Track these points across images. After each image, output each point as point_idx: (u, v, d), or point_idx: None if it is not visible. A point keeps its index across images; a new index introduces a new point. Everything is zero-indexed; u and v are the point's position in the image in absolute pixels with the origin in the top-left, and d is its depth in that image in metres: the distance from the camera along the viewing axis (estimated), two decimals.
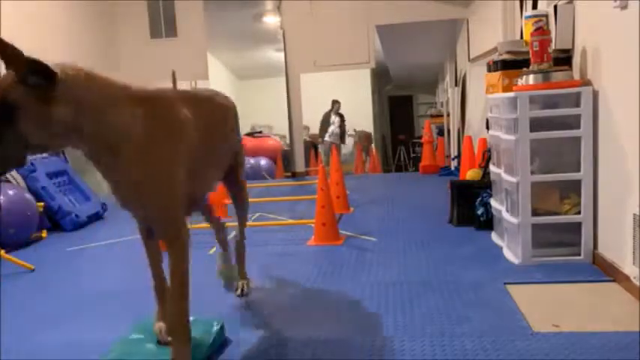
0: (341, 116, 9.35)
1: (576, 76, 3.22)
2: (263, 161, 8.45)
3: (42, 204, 4.70)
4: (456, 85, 9.82)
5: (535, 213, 3.15)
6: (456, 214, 4.23)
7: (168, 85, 2.30)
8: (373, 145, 9.64)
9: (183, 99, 2.12)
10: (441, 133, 11.28)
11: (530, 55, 3.19)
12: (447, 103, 11.11)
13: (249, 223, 4.80)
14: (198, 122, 2.08)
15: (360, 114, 9.31)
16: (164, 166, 1.87)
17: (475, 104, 7.53)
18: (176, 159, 1.91)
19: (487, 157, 4.38)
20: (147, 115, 1.84)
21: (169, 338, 2.03)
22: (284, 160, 8.68)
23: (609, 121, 2.87)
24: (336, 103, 9.29)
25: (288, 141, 8.63)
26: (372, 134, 9.56)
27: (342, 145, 9.53)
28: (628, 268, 2.62)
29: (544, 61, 3.13)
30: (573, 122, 3.05)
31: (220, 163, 2.49)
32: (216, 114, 2.40)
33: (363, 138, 9.66)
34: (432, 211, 4.76)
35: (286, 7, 8.56)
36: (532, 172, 3.13)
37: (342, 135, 9.46)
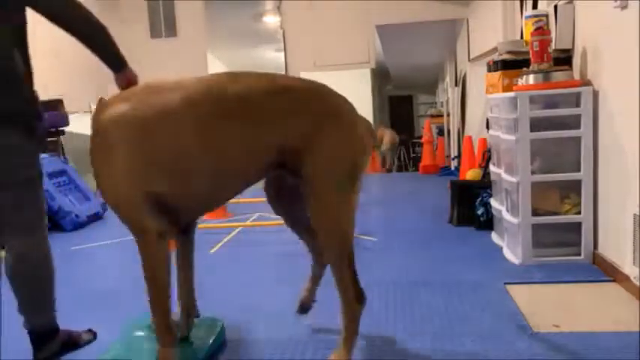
0: None
1: (576, 76, 3.22)
2: None
3: None
4: (456, 85, 9.82)
5: (535, 213, 3.15)
6: (456, 214, 4.23)
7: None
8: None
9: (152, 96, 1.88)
10: (441, 133, 11.28)
11: (530, 55, 3.19)
12: (447, 103, 11.11)
13: (248, 222, 4.83)
14: (182, 117, 1.83)
15: (360, 114, 9.30)
16: (105, 170, 1.90)
17: (475, 104, 7.53)
18: (119, 164, 1.84)
19: (487, 157, 4.38)
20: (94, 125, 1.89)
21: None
22: None
23: (609, 121, 2.87)
24: None
25: None
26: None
27: None
28: (628, 268, 2.62)
29: (544, 61, 3.13)
30: (573, 122, 3.05)
31: (230, 170, 1.91)
32: (233, 108, 1.86)
33: None
34: (432, 211, 4.76)
35: (286, 7, 8.56)
36: (532, 172, 3.13)
37: None
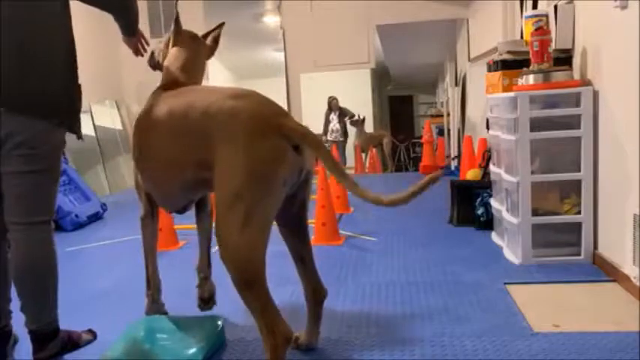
0: (341, 110, 9.24)
1: (576, 76, 3.22)
2: None
3: None
4: (456, 85, 9.83)
5: (535, 213, 3.15)
6: (456, 214, 4.23)
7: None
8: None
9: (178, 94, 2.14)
10: (441, 133, 11.29)
11: (531, 55, 3.19)
12: (447, 103, 11.12)
13: None
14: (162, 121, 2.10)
15: (360, 114, 9.31)
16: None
17: (475, 104, 7.53)
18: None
19: (487, 157, 4.38)
20: None
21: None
22: None
23: (609, 121, 2.87)
24: (333, 100, 9.15)
25: None
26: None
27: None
28: (628, 268, 2.62)
29: (544, 61, 3.13)
30: (573, 122, 3.05)
31: (167, 173, 2.10)
32: (183, 120, 1.99)
33: (372, 138, 9.59)
34: (432, 211, 4.75)
35: (286, 7, 8.56)
36: (532, 172, 3.13)
37: (344, 131, 9.37)
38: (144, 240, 2.39)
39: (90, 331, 2.43)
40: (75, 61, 2.25)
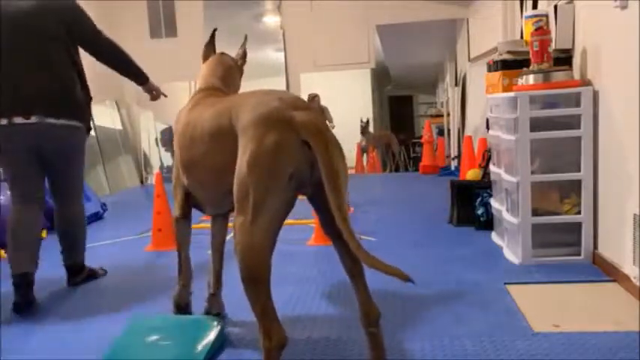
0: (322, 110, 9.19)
1: (576, 76, 3.22)
2: None
3: None
4: (456, 85, 9.83)
5: (535, 213, 3.15)
6: (456, 214, 4.23)
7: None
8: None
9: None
10: (441, 133, 11.30)
11: (531, 55, 3.19)
12: (447, 103, 11.13)
13: None
14: (196, 123, 2.20)
15: (360, 114, 9.31)
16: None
17: (475, 104, 7.53)
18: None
19: (487, 157, 4.38)
20: None
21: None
22: None
23: (609, 121, 2.87)
24: (314, 97, 9.00)
25: None
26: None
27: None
28: (628, 268, 2.62)
29: (544, 61, 3.13)
30: (573, 122, 3.05)
31: (213, 178, 2.11)
32: (208, 121, 2.09)
33: (376, 139, 9.56)
34: (432, 211, 4.76)
35: (286, 7, 8.56)
36: (532, 172, 3.13)
37: None
38: (177, 237, 2.57)
39: (102, 268, 3.39)
40: (84, 82, 3.08)
